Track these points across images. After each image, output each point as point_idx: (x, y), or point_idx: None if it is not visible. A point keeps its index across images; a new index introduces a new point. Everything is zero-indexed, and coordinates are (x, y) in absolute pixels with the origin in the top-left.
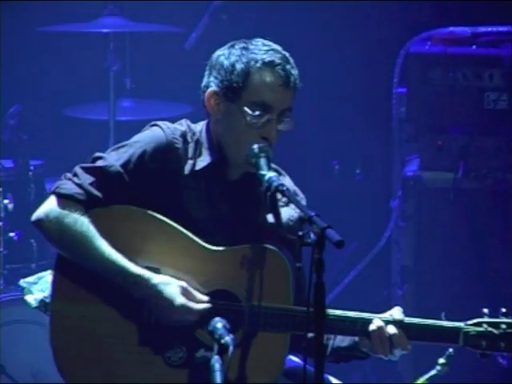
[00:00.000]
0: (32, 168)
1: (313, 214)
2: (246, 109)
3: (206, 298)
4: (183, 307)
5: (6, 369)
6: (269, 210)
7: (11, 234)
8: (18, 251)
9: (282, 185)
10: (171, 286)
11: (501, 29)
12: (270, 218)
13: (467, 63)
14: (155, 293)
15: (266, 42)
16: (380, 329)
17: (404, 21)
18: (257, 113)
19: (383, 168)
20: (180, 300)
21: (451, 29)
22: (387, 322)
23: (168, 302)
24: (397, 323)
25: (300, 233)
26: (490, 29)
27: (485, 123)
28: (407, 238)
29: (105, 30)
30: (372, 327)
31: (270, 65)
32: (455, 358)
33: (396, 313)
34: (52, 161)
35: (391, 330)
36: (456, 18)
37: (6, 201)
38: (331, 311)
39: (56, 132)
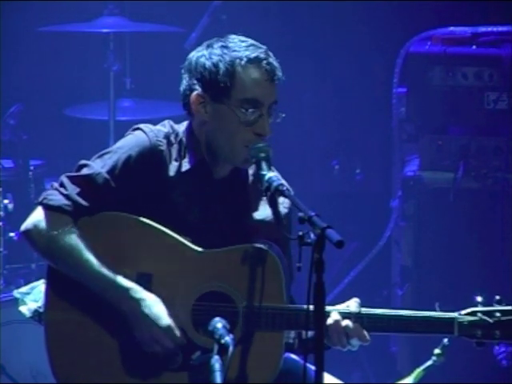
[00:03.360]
0: (32, 168)
1: (313, 214)
2: (238, 108)
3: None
4: (168, 329)
5: (6, 369)
6: (270, 209)
7: (11, 234)
8: (17, 251)
9: (282, 185)
10: (160, 306)
11: (501, 29)
12: (259, 214)
13: (467, 63)
14: (142, 309)
15: (242, 37)
16: (337, 322)
17: (404, 21)
18: (250, 110)
19: (383, 168)
20: (166, 321)
21: (451, 29)
22: (344, 315)
23: (154, 321)
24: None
25: (300, 233)
26: (490, 29)
27: (485, 123)
28: (407, 237)
29: (105, 30)
30: (329, 321)
31: (255, 61)
32: (455, 358)
33: (352, 304)
34: (52, 161)
35: (345, 322)
36: (456, 18)
37: (5, 201)
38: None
39: (56, 132)
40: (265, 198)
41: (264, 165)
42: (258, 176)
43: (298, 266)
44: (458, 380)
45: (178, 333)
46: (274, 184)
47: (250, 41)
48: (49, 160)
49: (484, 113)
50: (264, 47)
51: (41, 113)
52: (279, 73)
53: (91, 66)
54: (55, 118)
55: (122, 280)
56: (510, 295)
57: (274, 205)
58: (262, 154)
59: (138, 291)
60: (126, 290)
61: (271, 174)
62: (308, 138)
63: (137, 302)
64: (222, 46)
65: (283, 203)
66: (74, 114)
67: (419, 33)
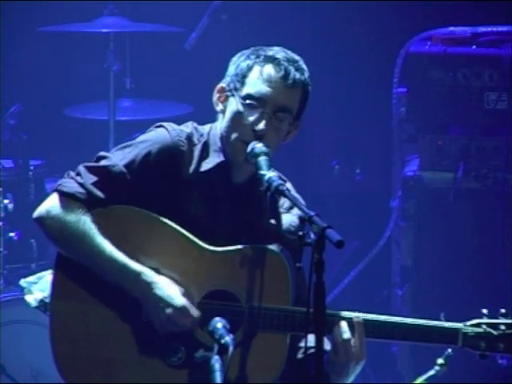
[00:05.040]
0: (32, 168)
1: (313, 213)
2: (242, 101)
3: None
4: (183, 308)
5: (6, 369)
6: (268, 209)
7: (11, 234)
8: (18, 251)
9: (282, 185)
10: (172, 287)
11: (501, 29)
12: (273, 221)
13: (467, 63)
14: (155, 291)
15: (284, 49)
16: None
17: (404, 21)
18: (247, 101)
19: (383, 168)
20: (181, 301)
21: (451, 29)
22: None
23: (168, 302)
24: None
25: (300, 233)
26: (490, 29)
27: (485, 123)
28: (407, 238)
29: (105, 30)
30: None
31: (271, 60)
32: (455, 358)
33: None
34: (52, 161)
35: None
36: (456, 18)
37: (6, 201)
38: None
39: (56, 132)
40: (281, 208)
41: (264, 165)
42: (258, 176)
43: (298, 265)
44: (457, 380)
45: (194, 310)
46: (274, 184)
47: (288, 51)
48: (49, 160)
49: (484, 113)
50: (296, 57)
51: (41, 113)
52: (296, 80)
53: (91, 66)
54: (55, 118)
55: (133, 264)
56: (510, 295)
57: (273, 205)
58: (262, 154)
59: (150, 275)
60: (138, 273)
61: (271, 174)
62: (308, 138)
63: (149, 286)
64: (256, 48)
65: (296, 214)
66: (74, 114)
67: (419, 33)
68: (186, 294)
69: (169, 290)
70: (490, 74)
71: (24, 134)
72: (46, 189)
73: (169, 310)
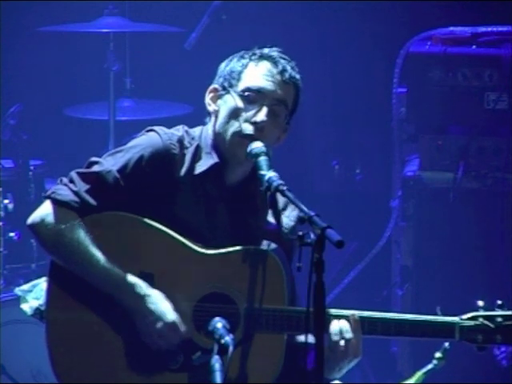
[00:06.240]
0: (32, 168)
1: (313, 213)
2: (239, 95)
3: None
4: (174, 324)
5: (6, 369)
6: (269, 209)
7: (11, 234)
8: (18, 251)
9: (283, 184)
10: (165, 302)
11: (501, 29)
12: (267, 222)
13: (467, 63)
14: (148, 305)
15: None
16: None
17: (404, 21)
18: (246, 93)
19: (383, 168)
20: (172, 316)
21: (451, 29)
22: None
23: (159, 316)
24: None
25: (300, 233)
26: (490, 29)
27: (485, 123)
28: (407, 238)
29: (105, 30)
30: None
31: (266, 57)
32: (455, 359)
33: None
34: (52, 161)
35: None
36: (456, 18)
37: (6, 201)
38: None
39: (56, 132)
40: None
41: (264, 165)
42: (258, 176)
43: (298, 266)
44: (457, 380)
45: (183, 328)
46: (274, 184)
47: (280, 51)
48: (49, 160)
49: (484, 113)
50: (288, 57)
51: (41, 113)
52: (292, 76)
53: (91, 66)
54: (55, 118)
55: (127, 276)
56: (510, 295)
57: (274, 205)
58: (262, 154)
59: (143, 287)
60: (132, 285)
61: (271, 174)
62: (308, 138)
63: (142, 298)
64: (247, 50)
65: (289, 216)
66: (74, 114)
67: (419, 33)
68: (177, 310)
69: (161, 304)
70: (490, 73)
71: (24, 133)
72: (46, 189)
73: (159, 325)
